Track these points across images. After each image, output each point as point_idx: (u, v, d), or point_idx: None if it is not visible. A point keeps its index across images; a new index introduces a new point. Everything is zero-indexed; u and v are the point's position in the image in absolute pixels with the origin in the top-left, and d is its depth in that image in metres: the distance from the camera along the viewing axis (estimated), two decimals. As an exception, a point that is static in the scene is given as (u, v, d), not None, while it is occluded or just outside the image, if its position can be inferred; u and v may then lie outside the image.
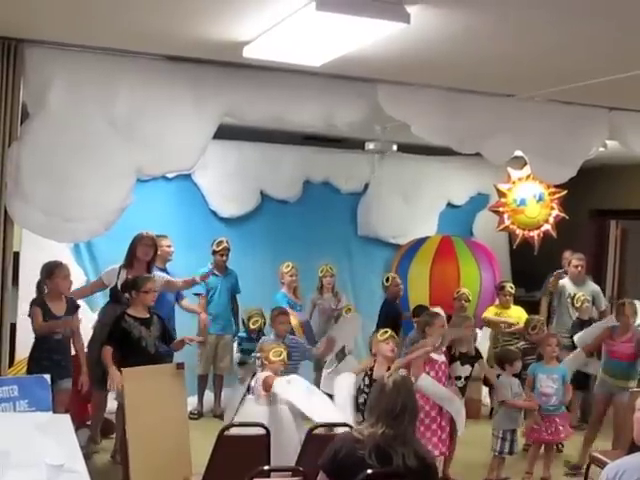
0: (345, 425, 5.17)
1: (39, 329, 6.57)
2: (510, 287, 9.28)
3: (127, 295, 6.88)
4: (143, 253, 7.54)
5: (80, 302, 7.26)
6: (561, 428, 7.32)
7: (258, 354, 6.58)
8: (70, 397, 6.75)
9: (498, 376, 7.45)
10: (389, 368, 6.61)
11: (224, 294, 8.94)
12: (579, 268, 9.48)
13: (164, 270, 8.15)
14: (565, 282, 9.55)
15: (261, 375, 6.22)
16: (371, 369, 6.71)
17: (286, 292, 8.98)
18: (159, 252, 8.14)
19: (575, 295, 9.15)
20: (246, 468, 4.75)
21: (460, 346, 7.23)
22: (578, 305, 9.03)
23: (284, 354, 6.40)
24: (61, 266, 6.76)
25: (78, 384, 6.81)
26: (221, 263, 8.87)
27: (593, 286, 9.68)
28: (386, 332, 6.83)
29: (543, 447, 7.43)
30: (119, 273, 7.42)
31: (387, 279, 9.43)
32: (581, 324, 8.83)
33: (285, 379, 6.09)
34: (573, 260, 9.53)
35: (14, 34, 5.69)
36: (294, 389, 6.01)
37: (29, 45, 5.79)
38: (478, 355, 7.50)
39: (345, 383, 6.64)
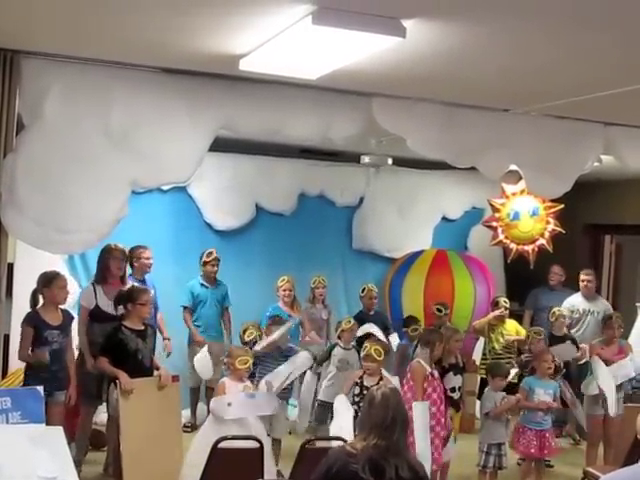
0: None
1: (22, 357, 6.59)
2: (504, 301, 9.25)
3: (121, 307, 6.87)
4: (116, 267, 7.51)
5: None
6: (552, 443, 7.30)
7: (226, 359, 6.70)
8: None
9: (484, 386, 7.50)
10: (381, 379, 6.73)
11: (214, 306, 8.94)
12: (585, 283, 9.50)
13: (142, 282, 8.10)
14: (576, 298, 9.55)
15: (221, 381, 6.57)
16: (360, 378, 6.79)
17: (281, 306, 8.99)
18: (137, 264, 8.12)
19: (551, 308, 9.15)
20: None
21: (448, 358, 7.24)
22: (553, 320, 8.95)
23: (250, 362, 6.62)
24: (59, 276, 6.76)
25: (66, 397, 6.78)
26: (211, 274, 8.90)
27: (605, 303, 9.72)
28: (364, 349, 6.90)
29: (533, 462, 7.42)
30: (95, 291, 7.37)
31: (363, 290, 9.44)
32: (555, 340, 8.73)
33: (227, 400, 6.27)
34: (581, 275, 9.55)
35: (10, 45, 5.69)
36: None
37: (25, 56, 5.80)
38: (464, 367, 7.52)
39: (344, 408, 6.66)
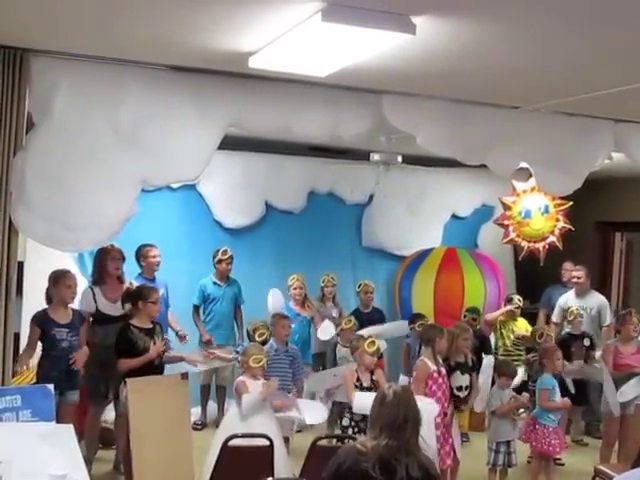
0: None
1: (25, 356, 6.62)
2: (518, 299, 9.26)
3: (130, 306, 6.86)
4: (115, 268, 7.45)
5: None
6: (562, 441, 7.28)
7: (240, 357, 6.72)
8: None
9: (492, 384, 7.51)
10: (372, 373, 6.84)
11: (226, 303, 8.95)
12: (575, 279, 9.50)
13: (152, 280, 8.08)
14: (568, 295, 9.52)
15: (237, 380, 6.60)
16: (358, 379, 6.79)
17: (292, 305, 9.01)
18: (144, 263, 8.10)
19: (569, 308, 9.12)
20: (249, 479, 4.74)
21: (456, 357, 7.22)
22: (571, 319, 8.99)
23: (264, 361, 6.64)
24: (67, 275, 6.75)
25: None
26: (225, 272, 8.91)
27: (599, 299, 9.63)
28: (373, 343, 6.89)
29: (543, 460, 7.40)
30: (94, 294, 7.33)
31: (359, 285, 9.46)
32: (572, 338, 8.80)
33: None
34: (572, 272, 9.52)
35: (19, 43, 5.69)
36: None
37: (34, 54, 5.80)
38: (474, 365, 7.51)
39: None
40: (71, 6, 4.67)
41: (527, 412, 7.48)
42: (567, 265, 9.99)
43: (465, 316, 9.03)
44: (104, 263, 7.43)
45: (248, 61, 5.52)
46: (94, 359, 6.92)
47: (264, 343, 7.56)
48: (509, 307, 9.19)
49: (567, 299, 9.53)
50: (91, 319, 7.27)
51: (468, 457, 7.43)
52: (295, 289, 9.09)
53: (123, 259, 7.60)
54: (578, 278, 9.49)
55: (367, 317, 9.16)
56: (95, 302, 7.27)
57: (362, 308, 9.42)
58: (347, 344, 8.01)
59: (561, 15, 4.27)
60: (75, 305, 6.97)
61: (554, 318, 9.56)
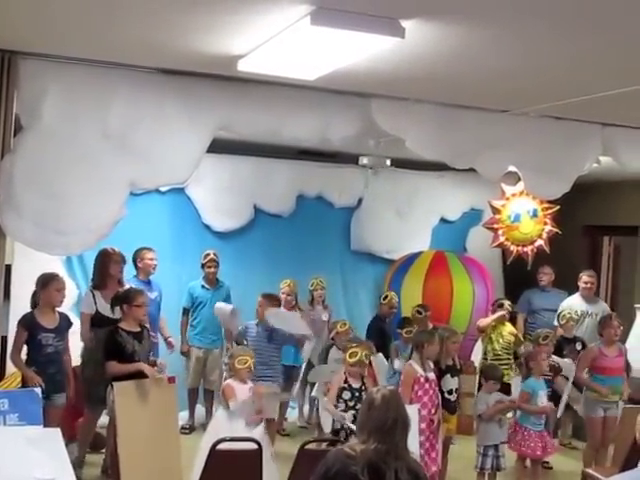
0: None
1: (13, 359, 6.63)
2: (509, 305, 9.24)
3: (118, 308, 6.84)
4: (118, 271, 7.48)
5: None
6: (550, 444, 7.28)
7: (227, 360, 6.76)
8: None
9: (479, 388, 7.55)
10: (363, 377, 6.80)
11: (213, 307, 8.90)
12: (588, 285, 9.43)
13: (147, 283, 8.13)
14: (574, 299, 9.50)
15: (224, 383, 6.69)
16: (346, 381, 6.75)
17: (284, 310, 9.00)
18: (141, 265, 8.12)
19: (562, 312, 9.12)
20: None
21: (446, 360, 7.23)
22: (563, 322, 8.96)
23: (250, 362, 6.66)
24: (56, 278, 6.75)
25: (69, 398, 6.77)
26: (209, 275, 8.90)
27: (603, 305, 9.63)
28: (355, 354, 6.83)
29: (530, 462, 7.40)
30: (94, 297, 7.33)
31: (385, 297, 9.41)
32: (565, 342, 8.79)
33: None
34: (583, 277, 9.46)
35: (8, 46, 5.68)
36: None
37: (23, 57, 5.78)
38: (461, 369, 7.52)
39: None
40: (60, 9, 4.65)
41: (513, 414, 7.50)
42: (545, 269, 9.97)
43: (420, 312, 8.99)
44: (106, 266, 7.45)
45: (237, 64, 5.52)
46: (92, 362, 6.92)
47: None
48: (501, 312, 9.14)
49: (573, 303, 9.43)
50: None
51: (456, 461, 7.42)
52: (284, 293, 9.03)
53: (124, 262, 7.62)
54: (592, 284, 9.46)
55: (387, 327, 9.22)
56: (95, 304, 7.27)
57: (382, 318, 9.36)
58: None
59: (549, 20, 4.28)
60: (64, 309, 6.97)
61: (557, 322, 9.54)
